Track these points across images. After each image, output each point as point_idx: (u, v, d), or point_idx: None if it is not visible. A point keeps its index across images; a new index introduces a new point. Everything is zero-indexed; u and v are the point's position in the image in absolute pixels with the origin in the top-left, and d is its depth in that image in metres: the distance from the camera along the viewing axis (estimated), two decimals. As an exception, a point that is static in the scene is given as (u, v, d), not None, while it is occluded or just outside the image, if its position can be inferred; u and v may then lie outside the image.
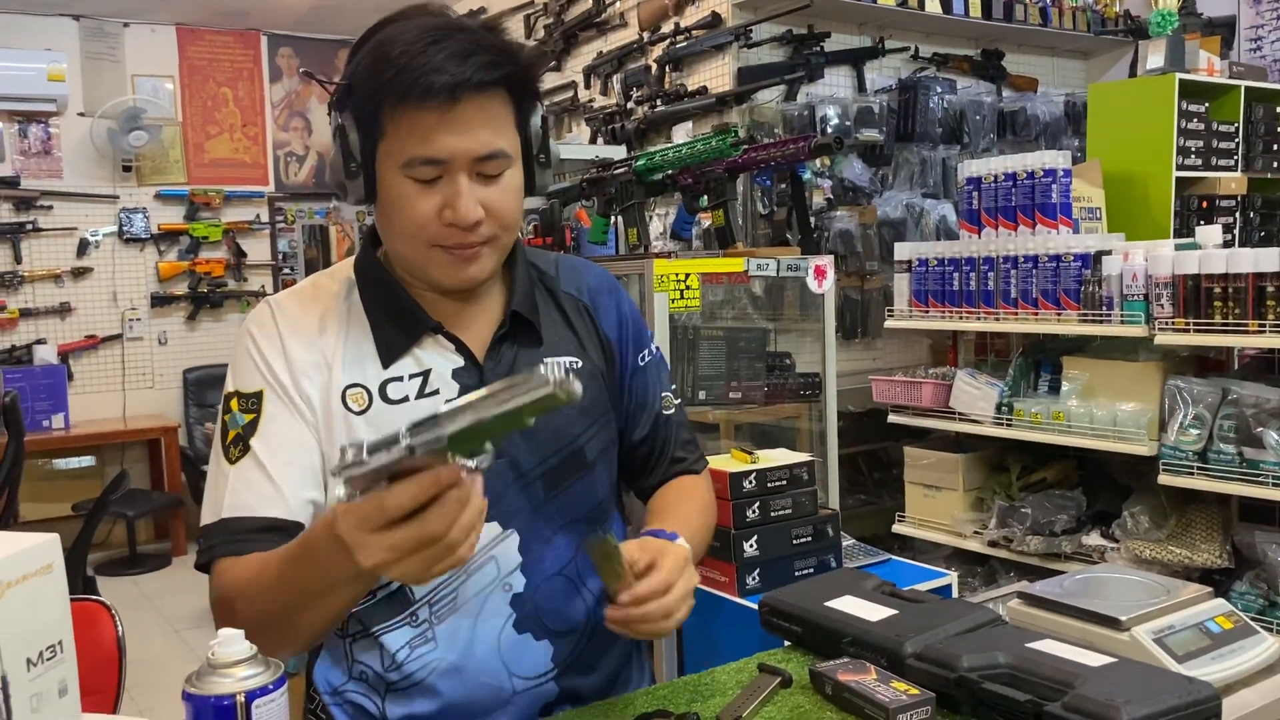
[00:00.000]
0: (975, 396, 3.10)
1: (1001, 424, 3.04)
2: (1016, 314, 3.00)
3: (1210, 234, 2.78)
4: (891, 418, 3.37)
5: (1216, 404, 2.56)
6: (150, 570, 5.36)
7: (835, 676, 1.07)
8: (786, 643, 1.26)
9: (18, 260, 5.54)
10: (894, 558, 2.10)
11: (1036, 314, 2.94)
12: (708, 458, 1.44)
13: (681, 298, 2.43)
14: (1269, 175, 3.77)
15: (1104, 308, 2.78)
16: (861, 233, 3.76)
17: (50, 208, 5.61)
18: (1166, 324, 2.63)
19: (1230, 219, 3.59)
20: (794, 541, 1.84)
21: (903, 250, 3.37)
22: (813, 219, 3.62)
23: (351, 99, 1.11)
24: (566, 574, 1.21)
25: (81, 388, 5.69)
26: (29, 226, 5.56)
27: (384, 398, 1.15)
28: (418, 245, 1.12)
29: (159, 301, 5.93)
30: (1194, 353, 2.88)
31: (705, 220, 3.20)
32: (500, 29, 1.14)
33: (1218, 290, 2.53)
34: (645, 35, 4.14)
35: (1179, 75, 3.42)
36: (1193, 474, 2.57)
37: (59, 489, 5.45)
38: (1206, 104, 3.53)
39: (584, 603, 1.22)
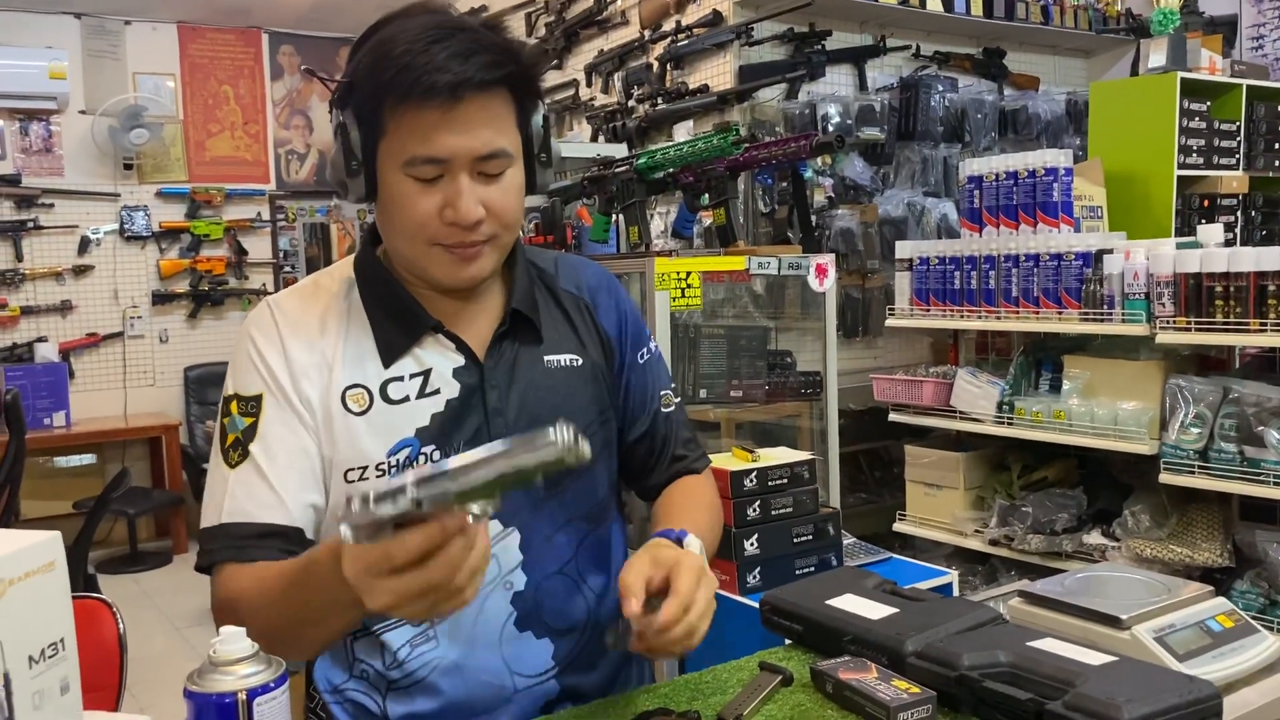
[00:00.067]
0: (976, 395, 3.11)
1: (1002, 423, 3.04)
2: (1018, 313, 3.00)
3: (1212, 233, 2.78)
4: (892, 416, 3.37)
5: (1217, 403, 2.56)
6: (151, 568, 5.36)
7: (836, 675, 1.07)
8: (787, 641, 1.26)
9: (19, 258, 5.54)
10: (895, 556, 2.10)
11: (1038, 313, 2.94)
12: (709, 456, 1.44)
13: (683, 296, 2.43)
14: (1270, 174, 3.77)
15: (1105, 306, 2.78)
16: (863, 231, 3.76)
17: (51, 205, 5.61)
18: (1168, 323, 2.63)
19: (1232, 218, 3.58)
20: (795, 540, 1.84)
21: (904, 249, 3.37)
22: (814, 217, 3.62)
23: (353, 97, 1.11)
24: (567, 572, 1.21)
25: (82, 386, 5.70)
26: (30, 224, 5.56)
27: (385, 398, 1.15)
28: (418, 244, 1.12)
29: (160, 299, 5.93)
30: (1195, 351, 2.88)
31: (706, 218, 3.20)
32: (502, 27, 1.14)
33: (1219, 289, 2.53)
34: (646, 33, 4.14)
35: (1180, 74, 3.42)
36: (1194, 473, 2.57)
37: (60, 487, 5.46)
38: (1208, 103, 3.53)
39: (585, 601, 1.23)
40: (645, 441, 1.32)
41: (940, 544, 3.27)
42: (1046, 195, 2.99)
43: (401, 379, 1.16)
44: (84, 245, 5.72)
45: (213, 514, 1.12)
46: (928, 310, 3.26)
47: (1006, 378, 3.08)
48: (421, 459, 1.14)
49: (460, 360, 1.18)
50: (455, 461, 0.80)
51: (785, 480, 1.83)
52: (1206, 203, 3.54)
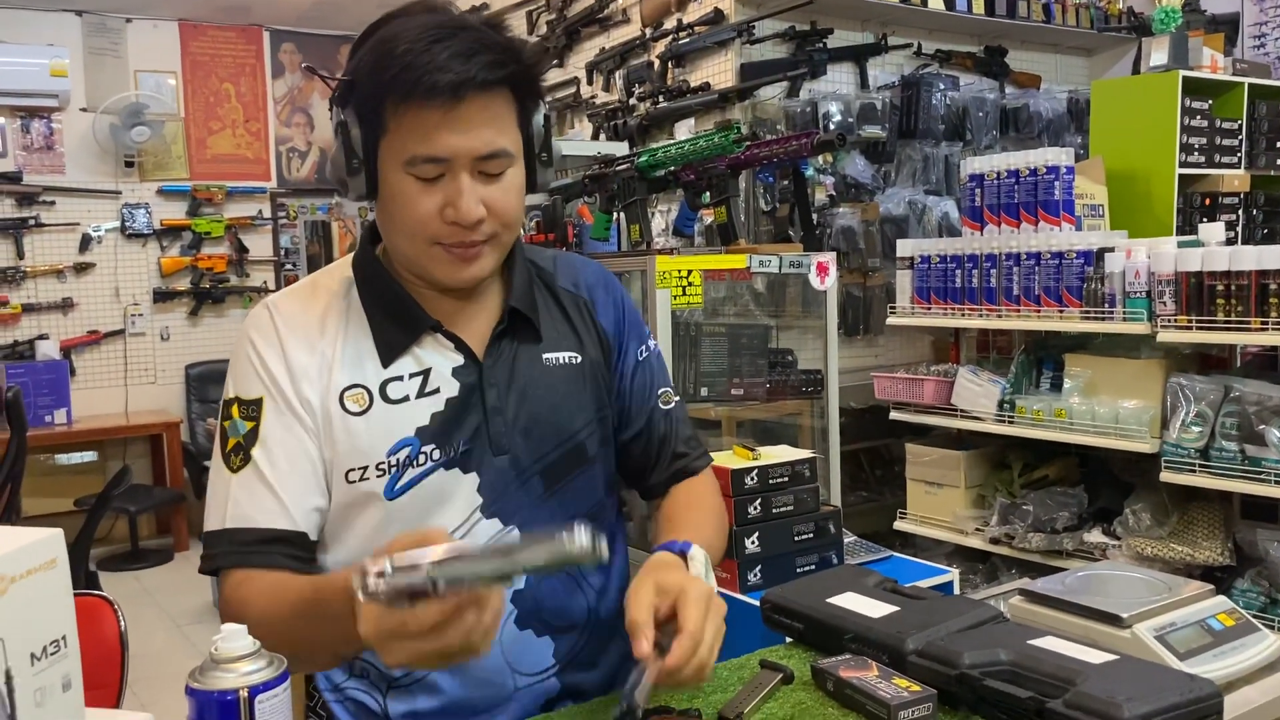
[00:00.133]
0: (977, 393, 3.10)
1: (1003, 421, 3.04)
2: (1019, 311, 2.99)
3: (1213, 231, 2.78)
4: (893, 415, 3.37)
5: (1219, 401, 2.56)
6: (152, 565, 5.36)
7: (837, 673, 1.07)
8: (788, 639, 1.26)
9: (20, 255, 5.55)
10: (896, 554, 2.10)
11: (1039, 311, 2.94)
12: (710, 454, 1.44)
13: (684, 294, 2.43)
14: (1272, 173, 3.76)
15: (1106, 305, 2.78)
16: (864, 229, 3.76)
17: (53, 203, 5.62)
18: (1169, 321, 2.63)
19: (1233, 216, 3.58)
20: (796, 538, 1.84)
21: (905, 247, 3.37)
22: (815, 216, 3.62)
23: (354, 95, 1.11)
24: (567, 570, 1.21)
25: (84, 383, 5.70)
26: (31, 222, 5.56)
27: (385, 397, 1.15)
28: (418, 243, 1.12)
29: (161, 297, 5.93)
30: (1196, 350, 2.87)
31: (707, 217, 3.20)
32: (503, 26, 1.14)
33: (1220, 288, 2.53)
34: (648, 31, 4.14)
35: (1182, 72, 3.41)
36: (1194, 471, 2.57)
37: (61, 484, 5.46)
38: (1210, 101, 3.52)
39: (585, 599, 1.23)
40: (643, 439, 1.31)
41: (941, 542, 3.27)
42: (1048, 194, 2.99)
43: (401, 378, 1.16)
44: (85, 243, 5.72)
45: (216, 518, 1.12)
46: (929, 309, 3.26)
47: (1007, 376, 3.08)
48: (421, 458, 1.14)
49: (459, 359, 1.18)
50: (474, 548, 0.83)
51: (786, 478, 1.83)
52: (1208, 201, 3.54)
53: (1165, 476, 2.63)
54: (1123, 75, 4.39)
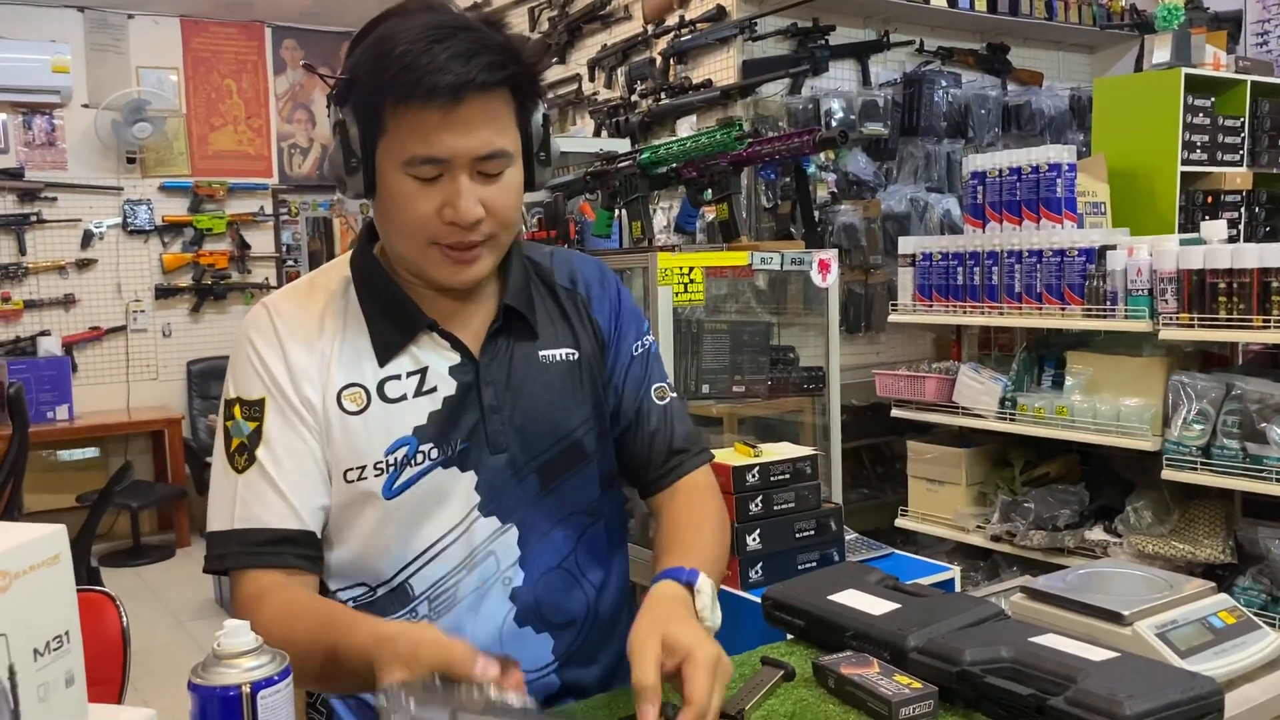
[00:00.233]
0: (979, 391, 3.10)
1: (1005, 419, 3.04)
2: (1020, 309, 2.99)
3: (1215, 229, 2.78)
4: (895, 412, 3.37)
5: (1220, 399, 2.55)
6: (154, 561, 5.37)
7: (838, 670, 1.07)
8: (789, 636, 1.26)
9: (22, 252, 5.55)
10: (897, 552, 2.10)
11: (1040, 309, 2.94)
12: (710, 450, 1.42)
13: (685, 291, 2.42)
14: (1275, 170, 3.76)
15: (1108, 303, 2.77)
16: (865, 227, 3.75)
17: (54, 199, 5.62)
18: (1171, 319, 2.63)
19: (1235, 214, 3.57)
20: (797, 535, 1.84)
21: (907, 244, 3.37)
22: (817, 213, 3.62)
23: (352, 94, 1.10)
24: (565, 567, 1.22)
25: (85, 379, 5.70)
26: (33, 218, 5.56)
27: (382, 396, 1.15)
28: (417, 243, 1.12)
29: (163, 293, 5.93)
30: (1198, 348, 2.87)
31: (709, 214, 3.20)
32: (503, 25, 1.14)
33: (1222, 285, 2.53)
34: (650, 28, 4.13)
35: (1185, 70, 3.41)
36: (1196, 469, 2.57)
37: (63, 480, 5.46)
38: (1212, 99, 3.52)
39: (584, 595, 1.23)
40: (639, 435, 1.29)
41: (942, 540, 3.28)
42: (1050, 191, 2.99)
43: (398, 377, 1.16)
44: (87, 239, 5.72)
45: (223, 519, 1.12)
46: (930, 306, 3.25)
47: (1009, 374, 3.07)
48: (419, 457, 1.14)
49: (456, 358, 1.18)
50: (496, 695, 0.85)
51: (787, 475, 1.83)
52: (1210, 199, 3.53)
53: (1167, 474, 2.63)
54: (1125, 73, 4.38)
